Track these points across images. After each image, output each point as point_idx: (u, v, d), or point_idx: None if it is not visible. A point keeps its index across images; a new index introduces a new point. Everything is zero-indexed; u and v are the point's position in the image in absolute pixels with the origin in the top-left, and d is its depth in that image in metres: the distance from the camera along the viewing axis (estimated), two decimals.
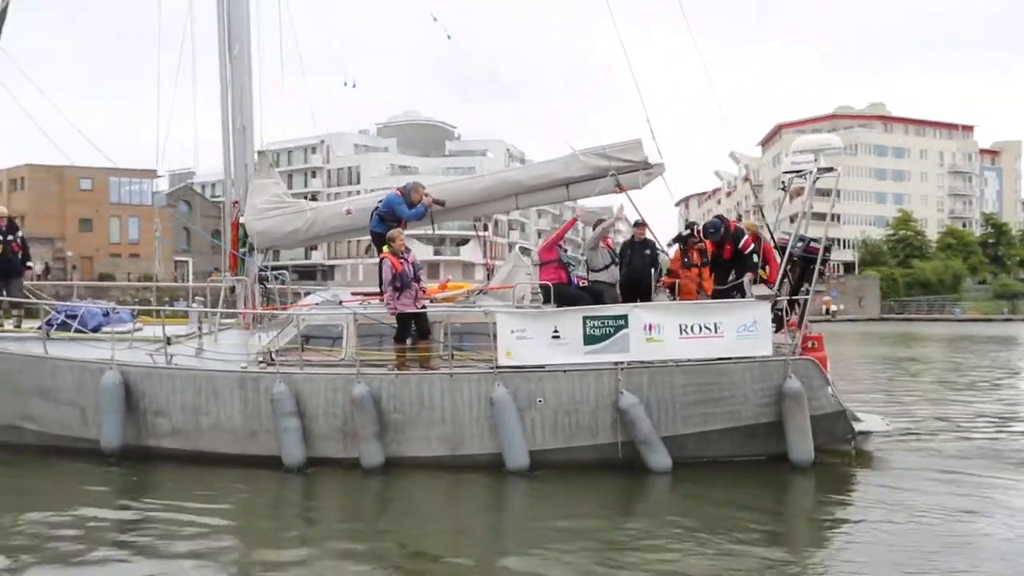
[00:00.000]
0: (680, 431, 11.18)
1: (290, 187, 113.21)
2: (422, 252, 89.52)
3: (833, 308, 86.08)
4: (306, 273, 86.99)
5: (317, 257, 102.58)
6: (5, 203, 79.61)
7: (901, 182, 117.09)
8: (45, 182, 72.68)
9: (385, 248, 11.49)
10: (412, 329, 11.45)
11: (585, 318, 11.13)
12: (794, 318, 12.03)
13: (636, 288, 12.77)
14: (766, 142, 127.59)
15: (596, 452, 11.19)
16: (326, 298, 12.71)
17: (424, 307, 11.55)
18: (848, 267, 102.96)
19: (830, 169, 11.44)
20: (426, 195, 12.33)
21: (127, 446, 11.73)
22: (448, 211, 13.07)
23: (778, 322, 11.57)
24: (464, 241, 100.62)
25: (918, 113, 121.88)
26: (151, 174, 71.51)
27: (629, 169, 12.65)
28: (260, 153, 13.83)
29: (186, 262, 72.63)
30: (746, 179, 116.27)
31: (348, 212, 13.23)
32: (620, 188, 12.45)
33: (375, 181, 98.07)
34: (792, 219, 13.23)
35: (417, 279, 11.41)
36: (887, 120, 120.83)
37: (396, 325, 11.45)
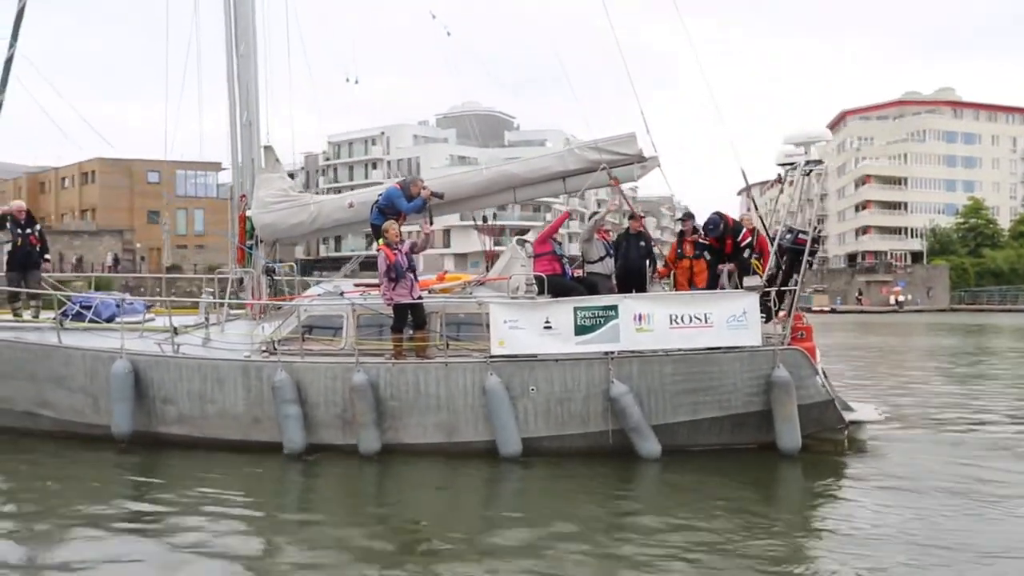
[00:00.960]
0: (670, 419, 11.42)
1: (351, 179, 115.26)
2: (479, 243, 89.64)
3: (900, 298, 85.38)
4: (367, 264, 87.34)
5: (374, 248, 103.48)
6: (77, 196, 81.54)
7: (971, 169, 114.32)
8: (114, 176, 74.35)
9: (380, 240, 11.81)
10: (409, 319, 11.76)
11: (576, 309, 11.39)
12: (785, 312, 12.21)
13: (632, 280, 13.04)
14: (831, 128, 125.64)
15: (587, 440, 11.46)
16: (328, 289, 13.07)
17: (420, 298, 11.86)
18: (916, 256, 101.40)
19: (819, 162, 11.58)
20: (424, 188, 12.63)
21: (137, 432, 12.15)
22: (447, 204, 13.38)
23: (768, 312, 11.76)
24: (524, 231, 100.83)
25: (989, 99, 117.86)
26: (216, 167, 72.97)
27: (624, 162, 12.88)
28: (266, 148, 14.17)
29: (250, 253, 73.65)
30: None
31: (351, 205, 13.57)
32: (613, 181, 12.67)
33: (435, 172, 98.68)
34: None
35: (412, 270, 11.70)
36: (956, 106, 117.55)
37: (393, 315, 11.77)
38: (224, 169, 73.00)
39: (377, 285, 12.47)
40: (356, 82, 16.01)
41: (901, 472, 10.84)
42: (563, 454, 11.42)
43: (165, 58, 13.80)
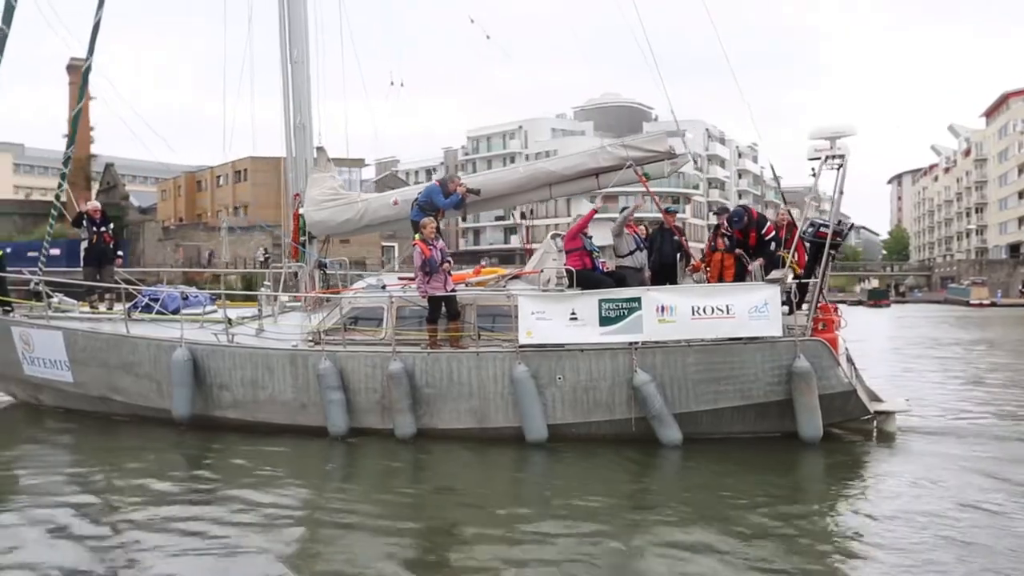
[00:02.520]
0: (693, 408, 11.79)
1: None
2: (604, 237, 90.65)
3: None
4: (505, 257, 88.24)
5: (515, 242, 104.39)
6: (230, 193, 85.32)
7: None
8: (265, 173, 77.30)
9: (417, 236, 12.47)
10: (443, 311, 12.38)
11: (601, 301, 11.85)
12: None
13: (666, 273, 13.44)
14: (991, 113, 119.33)
15: (612, 427, 11.92)
16: (371, 283, 13.81)
17: (454, 290, 12.47)
18: None
19: (840, 156, 11.77)
20: (460, 184, 13.25)
21: (196, 416, 13.09)
22: (486, 200, 13.98)
23: (790, 304, 11.99)
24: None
25: None
26: (359, 163, 75.28)
27: (654, 159, 13.28)
28: (318, 149, 14.99)
29: (392, 247, 76.18)
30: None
31: (395, 203, 14.26)
32: (640, 178, 13.06)
33: None
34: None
35: (445, 264, 12.28)
36: None
37: (427, 307, 12.43)
38: (367, 165, 75.34)
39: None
40: (402, 85, 16.65)
41: (919, 462, 10.97)
42: (588, 440, 11.90)
43: (223, 66, 14.62)
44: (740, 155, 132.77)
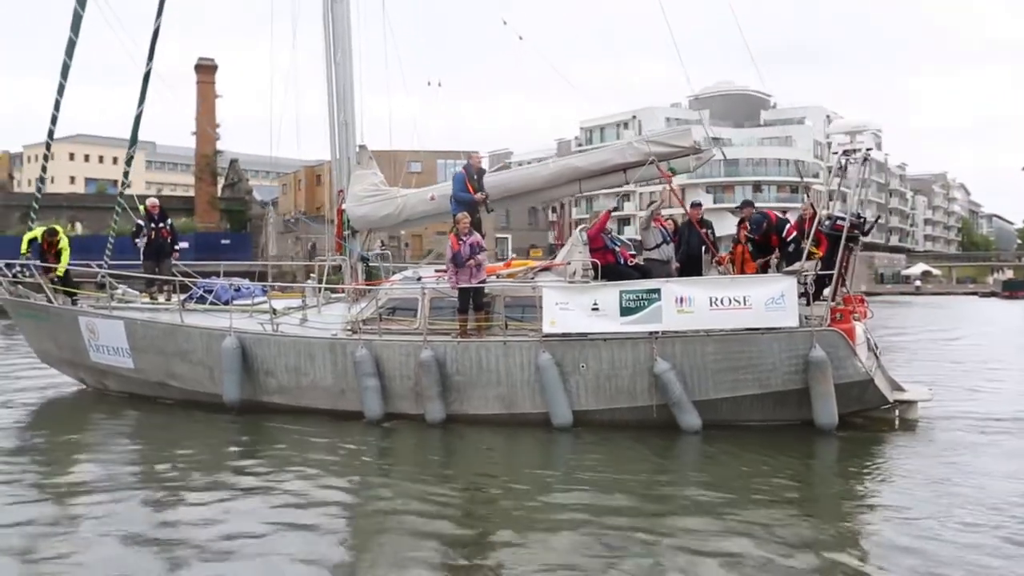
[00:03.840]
0: (712, 395, 12.18)
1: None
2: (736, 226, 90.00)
3: None
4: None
5: (629, 208, 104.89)
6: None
7: None
8: (380, 166, 78.96)
9: (452, 229, 13.09)
10: (471, 302, 12.98)
11: (621, 292, 12.30)
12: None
13: (693, 266, 13.84)
14: None
15: (634, 413, 12.38)
16: (407, 275, 14.47)
17: (483, 282, 13.04)
18: None
19: (855, 151, 12.02)
20: (480, 160, 13.89)
21: (245, 400, 13.93)
22: (518, 196, 14.51)
23: (808, 295, 12.28)
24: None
25: None
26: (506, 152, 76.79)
27: (679, 154, 13.66)
28: (361, 147, 15.71)
29: (506, 239, 77.57)
30: None
31: (432, 198, 14.90)
32: (664, 174, 13.46)
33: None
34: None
35: (474, 257, 12.82)
36: None
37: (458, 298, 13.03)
38: (483, 157, 76.37)
39: None
40: (439, 85, 17.23)
41: (935, 452, 11.22)
42: (611, 426, 12.39)
43: (271, 72, 15.37)
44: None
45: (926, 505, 8.83)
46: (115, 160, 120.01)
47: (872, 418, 12.86)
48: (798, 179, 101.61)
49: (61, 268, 16.19)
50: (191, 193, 74.21)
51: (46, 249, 16.38)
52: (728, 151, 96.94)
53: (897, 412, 12.90)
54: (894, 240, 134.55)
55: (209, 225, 66.92)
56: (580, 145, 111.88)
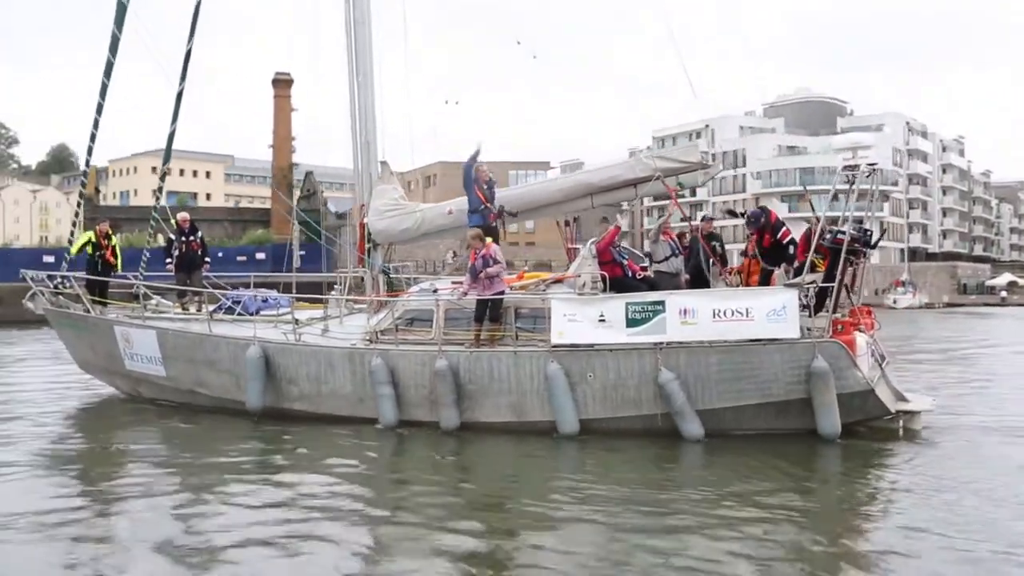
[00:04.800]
0: (716, 405, 12.50)
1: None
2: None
3: None
4: None
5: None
6: (420, 198, 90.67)
7: None
8: (454, 178, 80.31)
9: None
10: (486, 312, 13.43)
11: (627, 304, 12.68)
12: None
13: (702, 278, 14.17)
14: None
15: (639, 422, 12.73)
16: (424, 287, 14.97)
17: (501, 293, 13.46)
18: None
19: (855, 167, 12.30)
20: (485, 172, 14.53)
21: (268, 407, 14.49)
22: (532, 210, 14.94)
23: (809, 307, 12.56)
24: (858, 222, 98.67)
25: None
26: (544, 166, 77.54)
27: (687, 170, 14.02)
28: (382, 163, 16.27)
29: (577, 248, 78.33)
30: None
31: (450, 212, 15.39)
32: (669, 188, 13.83)
33: (761, 163, 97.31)
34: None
35: (486, 268, 13.23)
36: None
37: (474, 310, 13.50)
38: (553, 168, 77.33)
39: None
40: (457, 103, 17.72)
41: (938, 462, 11.39)
42: (617, 434, 12.75)
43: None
44: (944, 149, 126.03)
45: (925, 513, 9.08)
46: (195, 173, 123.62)
47: (875, 428, 13.09)
48: (883, 187, 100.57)
49: (120, 264, 17.39)
50: (268, 205, 75.92)
51: (103, 247, 17.26)
52: (803, 159, 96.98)
53: (901, 422, 13.11)
54: (978, 249, 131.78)
55: (285, 236, 68.47)
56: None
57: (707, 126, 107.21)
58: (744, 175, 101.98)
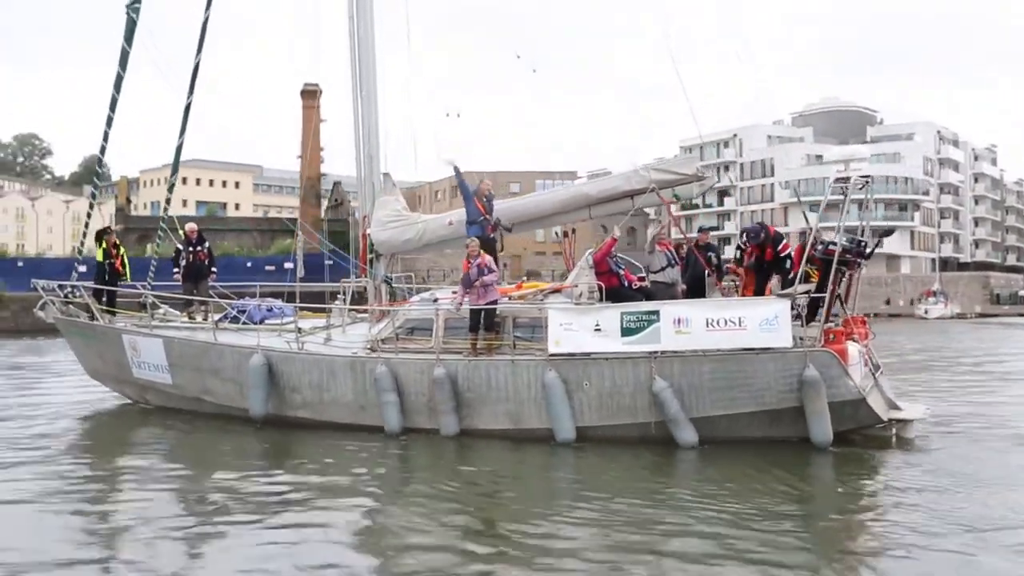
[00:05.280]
0: (710, 412, 12.70)
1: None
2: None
3: None
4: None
5: (729, 228, 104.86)
6: (447, 209, 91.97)
7: None
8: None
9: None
10: (480, 321, 13.68)
11: (623, 313, 12.92)
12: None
13: (698, 288, 14.39)
14: None
15: (634, 429, 12.95)
16: (424, 297, 15.25)
17: (494, 302, 13.73)
18: None
19: (845, 179, 12.53)
20: (489, 189, 14.67)
21: (270, 415, 14.77)
22: (532, 220, 15.21)
23: (801, 317, 12.78)
24: (888, 232, 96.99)
25: None
26: (571, 176, 77.76)
27: (682, 181, 14.27)
28: (384, 175, 16.56)
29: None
30: None
31: (450, 223, 15.66)
32: (663, 200, 14.08)
33: (790, 173, 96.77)
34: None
35: (480, 278, 13.51)
36: None
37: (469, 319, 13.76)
38: (580, 178, 77.66)
39: None
40: (458, 116, 18.03)
41: (928, 468, 11.59)
42: (613, 441, 12.97)
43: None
44: (976, 158, 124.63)
45: (916, 517, 9.30)
46: (224, 183, 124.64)
47: (869, 436, 13.29)
48: (914, 196, 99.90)
49: (128, 274, 17.82)
50: (296, 215, 76.43)
51: (113, 256, 17.58)
52: (832, 169, 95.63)
53: (894, 430, 13.29)
54: (1011, 259, 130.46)
55: (313, 246, 68.79)
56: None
57: (735, 135, 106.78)
58: (772, 185, 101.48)
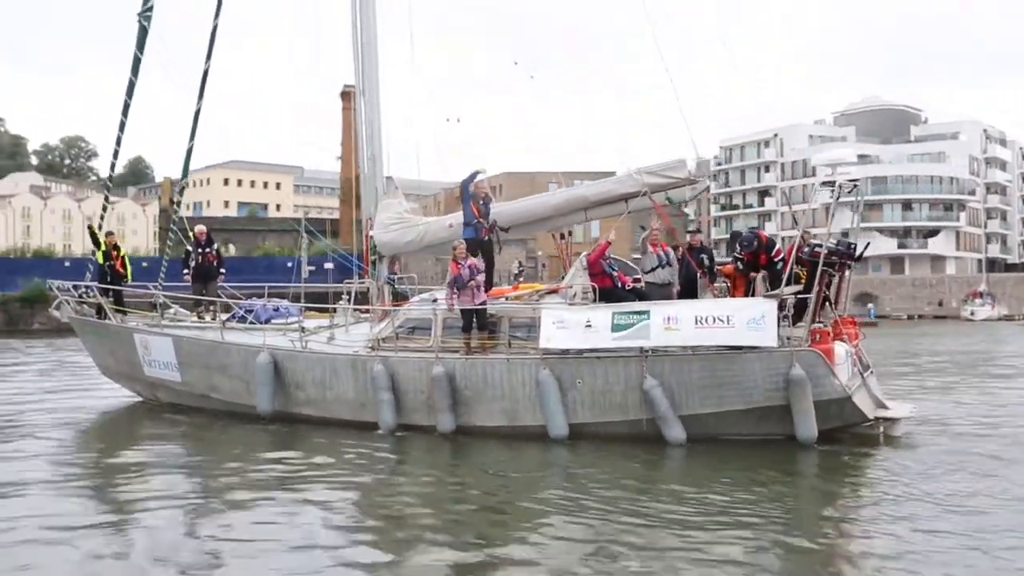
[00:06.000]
0: (699, 410, 13.03)
1: (743, 183, 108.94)
2: (884, 246, 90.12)
3: None
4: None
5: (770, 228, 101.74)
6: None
7: None
8: (520, 187, 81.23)
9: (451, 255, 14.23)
10: (473, 321, 14.07)
11: (614, 313, 13.27)
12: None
13: (692, 289, 14.73)
14: None
15: (626, 426, 13.30)
16: (424, 297, 15.65)
17: (483, 303, 14.13)
18: None
19: (831, 183, 12.84)
20: (487, 191, 15.07)
21: (276, 412, 15.21)
22: (529, 223, 15.59)
23: (790, 317, 13.10)
24: (933, 232, 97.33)
25: None
26: (611, 175, 77.73)
27: (676, 185, 14.62)
28: (387, 178, 16.99)
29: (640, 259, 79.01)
30: None
31: (450, 225, 16.04)
32: (654, 204, 14.43)
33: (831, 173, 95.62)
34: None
35: (474, 279, 13.94)
36: None
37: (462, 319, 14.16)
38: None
39: None
40: (458, 121, 18.42)
41: (910, 465, 11.84)
42: (605, 438, 13.32)
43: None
44: None
45: (904, 509, 9.65)
46: (265, 184, 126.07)
47: (856, 433, 13.58)
48: (959, 196, 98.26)
49: (130, 276, 18.36)
50: (337, 216, 77.16)
51: (113, 258, 18.08)
52: (875, 168, 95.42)
53: (882, 428, 13.57)
54: None
55: (347, 247, 69.37)
56: (719, 164, 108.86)
57: (776, 135, 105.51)
58: (813, 185, 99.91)
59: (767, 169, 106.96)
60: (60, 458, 12.98)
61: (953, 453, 12.59)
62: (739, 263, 14.15)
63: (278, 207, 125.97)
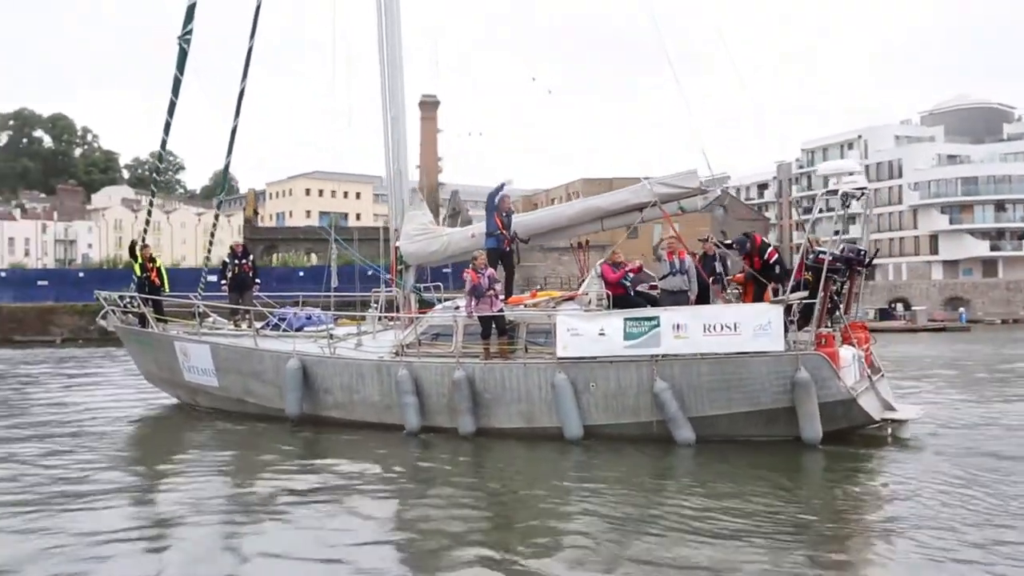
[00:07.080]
0: (708, 412, 13.50)
1: (824, 184, 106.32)
2: (976, 248, 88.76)
3: None
4: None
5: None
6: None
7: None
8: (596, 193, 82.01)
9: (470, 265, 14.86)
10: (493, 328, 14.68)
11: (625, 320, 13.80)
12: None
13: (704, 295, 15.18)
14: None
15: (637, 428, 13.81)
16: (446, 305, 16.30)
17: (501, 311, 14.73)
18: None
19: (834, 192, 13.26)
20: (511, 206, 15.53)
21: (305, 415, 15.94)
22: (547, 233, 16.17)
23: (795, 322, 13.51)
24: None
25: None
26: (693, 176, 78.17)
27: (686, 195, 15.11)
28: (412, 190, 17.66)
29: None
30: None
31: (472, 236, 16.69)
32: (664, 214, 14.93)
33: (919, 174, 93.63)
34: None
35: (492, 288, 14.56)
36: None
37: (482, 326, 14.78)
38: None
39: None
40: (480, 134, 19.04)
41: (914, 465, 12.23)
42: (617, 439, 13.84)
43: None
44: None
45: (903, 511, 9.96)
46: (346, 194, 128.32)
47: (864, 435, 13.93)
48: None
49: (167, 286, 19.14)
50: None
51: (148, 270, 18.94)
52: (966, 168, 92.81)
53: (889, 430, 13.92)
54: None
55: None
56: (801, 167, 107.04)
57: (859, 136, 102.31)
58: (900, 186, 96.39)
59: (850, 172, 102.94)
60: (108, 459, 13.79)
61: (959, 454, 12.89)
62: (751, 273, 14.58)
63: (358, 216, 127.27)
